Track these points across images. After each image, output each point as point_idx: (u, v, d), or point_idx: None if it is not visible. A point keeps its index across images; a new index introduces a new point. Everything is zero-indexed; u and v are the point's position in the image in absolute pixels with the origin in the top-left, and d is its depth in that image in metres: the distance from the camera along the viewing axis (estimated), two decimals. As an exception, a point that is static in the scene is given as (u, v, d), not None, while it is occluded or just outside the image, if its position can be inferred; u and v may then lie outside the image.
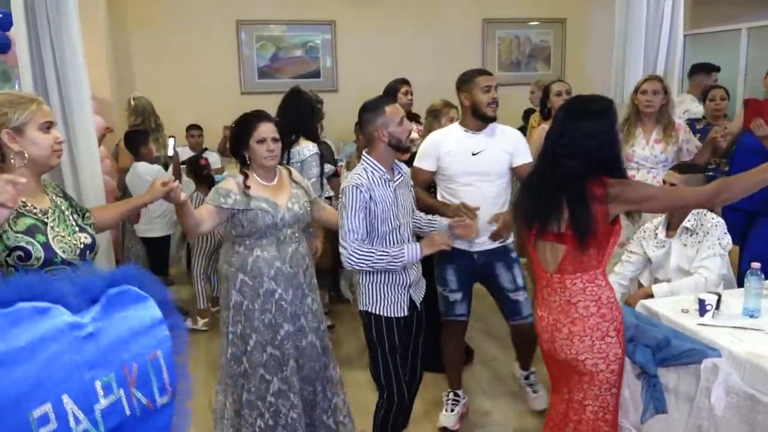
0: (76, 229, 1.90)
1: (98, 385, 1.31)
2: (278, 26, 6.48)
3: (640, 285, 2.84)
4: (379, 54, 6.54)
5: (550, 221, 1.96)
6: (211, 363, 3.80)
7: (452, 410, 3.12)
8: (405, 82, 4.92)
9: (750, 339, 2.01)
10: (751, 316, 2.21)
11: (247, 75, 6.43)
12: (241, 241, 2.54)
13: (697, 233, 2.66)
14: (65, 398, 1.25)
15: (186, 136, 5.57)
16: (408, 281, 2.48)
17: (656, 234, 2.79)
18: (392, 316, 2.47)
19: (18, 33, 3.69)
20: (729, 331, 2.06)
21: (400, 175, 2.51)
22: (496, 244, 2.91)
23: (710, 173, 4.17)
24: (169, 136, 4.76)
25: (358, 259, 2.34)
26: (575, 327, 1.98)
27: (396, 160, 2.51)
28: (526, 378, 3.26)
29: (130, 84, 6.00)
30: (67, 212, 1.92)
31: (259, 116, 2.57)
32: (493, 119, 2.88)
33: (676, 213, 2.71)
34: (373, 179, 2.39)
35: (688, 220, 2.68)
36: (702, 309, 2.24)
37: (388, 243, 2.43)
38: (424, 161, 2.97)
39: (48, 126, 1.87)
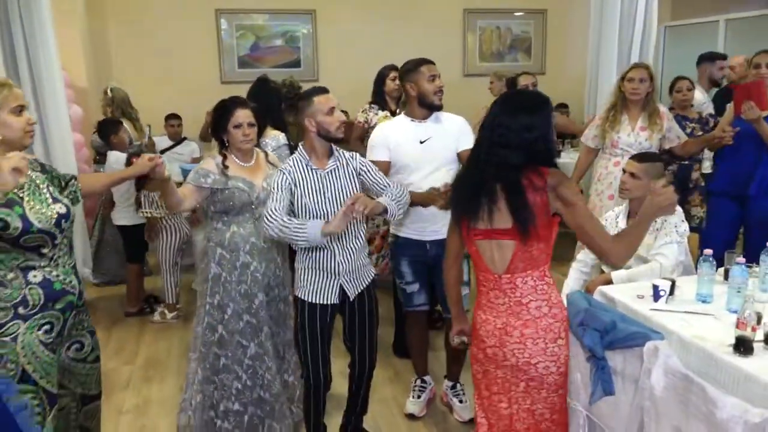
0: (50, 201, 2.02)
1: None
2: (259, 15, 6.48)
3: (602, 272, 2.89)
4: (360, 43, 6.55)
5: (482, 212, 1.94)
6: (183, 352, 3.85)
7: (418, 397, 3.17)
8: (394, 68, 4.92)
9: (700, 323, 2.05)
10: (704, 302, 2.26)
11: (227, 64, 6.43)
12: (219, 218, 2.75)
13: (655, 221, 2.71)
14: None
15: (165, 125, 5.57)
16: (336, 270, 2.52)
17: (617, 223, 2.84)
18: (316, 302, 2.54)
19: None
20: (680, 316, 2.11)
21: (333, 163, 2.53)
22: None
23: (672, 166, 4.25)
24: (146, 125, 4.78)
25: (274, 225, 2.39)
26: (527, 329, 1.97)
27: (337, 149, 2.56)
28: (453, 388, 3.20)
29: (107, 74, 5.99)
30: (42, 186, 2.04)
31: (235, 102, 2.75)
32: (439, 108, 2.89)
33: (636, 202, 2.76)
34: (298, 167, 2.49)
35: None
36: (656, 295, 2.29)
37: None
38: (376, 152, 2.93)
39: (20, 109, 1.96)
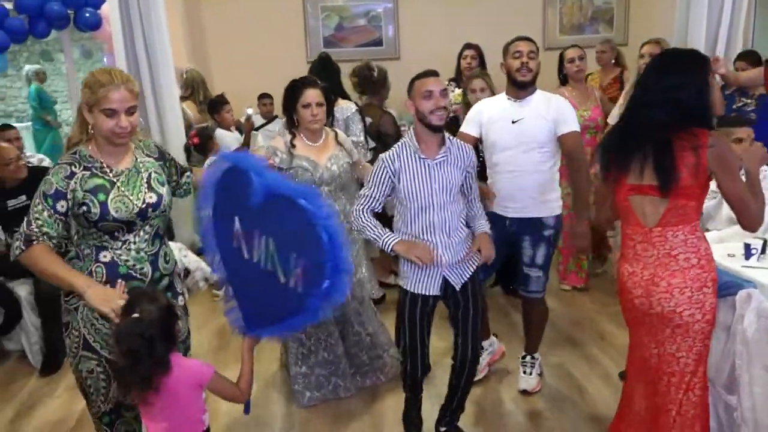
0: (145, 189, 2.08)
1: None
2: (342, -3, 6.70)
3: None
4: (440, 21, 6.65)
5: (633, 168, 2.02)
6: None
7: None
8: (469, 46, 5.02)
9: (792, 279, 2.13)
10: (797, 260, 2.33)
11: (313, 45, 6.68)
12: None
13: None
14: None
15: (258, 104, 5.89)
16: (438, 261, 2.47)
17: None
18: (417, 292, 2.53)
19: (111, 9, 4.06)
20: (772, 272, 2.19)
21: (444, 155, 2.45)
22: (530, 214, 2.90)
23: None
24: (248, 107, 5.14)
25: (358, 224, 2.49)
26: (675, 279, 2.01)
27: (450, 139, 2.50)
28: (523, 358, 3.24)
29: (204, 57, 6.38)
30: (144, 173, 2.11)
31: (305, 82, 2.81)
32: (523, 84, 2.83)
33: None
34: (403, 154, 2.45)
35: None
36: (747, 253, 2.38)
37: (416, 224, 2.47)
38: (467, 126, 3.00)
39: (110, 113, 1.98)
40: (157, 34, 4.17)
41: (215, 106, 4.91)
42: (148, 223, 2.10)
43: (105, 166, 2.06)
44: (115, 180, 2.05)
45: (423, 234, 2.48)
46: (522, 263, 3.00)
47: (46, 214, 1.96)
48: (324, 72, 3.96)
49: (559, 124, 2.84)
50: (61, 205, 1.98)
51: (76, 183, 2.00)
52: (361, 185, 2.79)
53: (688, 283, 2.00)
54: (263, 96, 5.90)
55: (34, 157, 4.92)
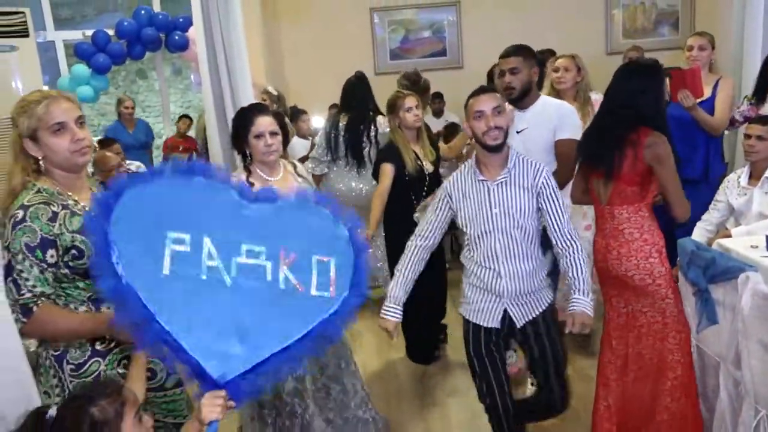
0: None
1: (244, 247, 1.55)
2: (408, 10, 7.06)
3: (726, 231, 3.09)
4: (503, 30, 6.86)
5: (598, 159, 2.42)
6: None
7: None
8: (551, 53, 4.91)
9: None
10: (818, 251, 2.45)
11: (380, 57, 7.08)
12: None
13: (776, 181, 2.89)
14: (206, 239, 1.52)
15: (328, 115, 6.34)
16: (498, 290, 2.29)
17: (739, 182, 3.03)
18: (477, 322, 2.37)
19: (197, 32, 4.58)
20: (790, 262, 2.34)
21: (505, 175, 2.28)
22: None
23: None
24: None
25: (403, 255, 2.43)
26: (623, 249, 2.40)
27: (520, 158, 2.32)
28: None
29: (280, 71, 6.89)
30: None
31: (254, 109, 2.48)
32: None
33: (759, 163, 2.95)
34: (462, 177, 2.36)
35: (768, 171, 2.91)
36: (768, 244, 2.52)
37: (478, 250, 2.32)
38: None
39: (58, 128, 1.70)
40: (237, 53, 4.62)
41: (293, 115, 5.39)
42: None
43: (77, 201, 1.77)
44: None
45: (486, 261, 2.30)
46: None
47: (36, 270, 1.65)
48: (362, 88, 4.19)
49: (558, 129, 2.85)
50: (51, 255, 1.67)
51: (61, 225, 1.69)
52: None
53: (633, 253, 2.38)
54: (333, 106, 6.33)
55: (133, 164, 5.54)
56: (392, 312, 2.36)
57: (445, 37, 7.12)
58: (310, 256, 1.60)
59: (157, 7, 6.07)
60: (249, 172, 2.46)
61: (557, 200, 2.30)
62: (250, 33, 5.86)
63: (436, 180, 3.49)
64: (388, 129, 3.70)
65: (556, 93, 3.55)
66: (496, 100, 2.29)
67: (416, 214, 3.21)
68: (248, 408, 2.59)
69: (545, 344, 2.35)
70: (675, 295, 2.41)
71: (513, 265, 2.28)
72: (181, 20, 5.65)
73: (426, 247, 2.42)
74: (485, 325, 2.35)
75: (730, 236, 2.84)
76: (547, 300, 2.38)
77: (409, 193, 3.36)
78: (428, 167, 3.47)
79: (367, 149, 4.12)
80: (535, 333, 2.34)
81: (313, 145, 4.97)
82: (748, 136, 3.02)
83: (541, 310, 2.35)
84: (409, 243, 2.42)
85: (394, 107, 3.48)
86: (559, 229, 2.29)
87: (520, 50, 2.86)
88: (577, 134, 2.76)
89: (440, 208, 2.38)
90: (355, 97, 4.22)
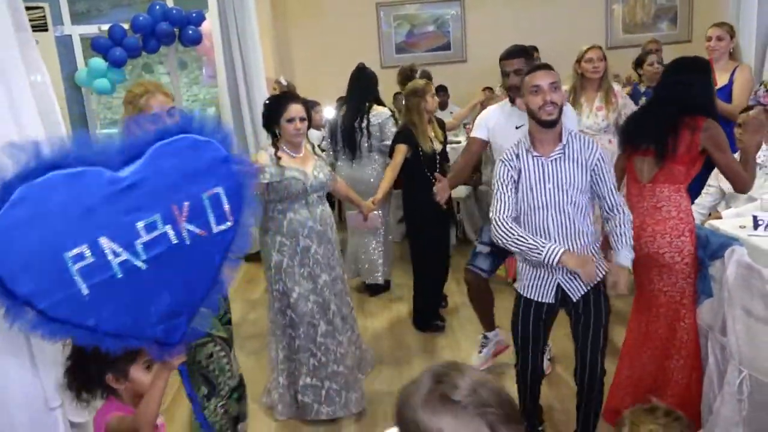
0: None
1: (140, 225, 1.50)
2: (413, 5, 7.24)
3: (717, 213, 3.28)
4: (505, 25, 7.05)
5: (648, 139, 2.54)
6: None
7: (479, 351, 3.42)
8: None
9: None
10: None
11: (386, 51, 7.27)
12: (274, 207, 2.89)
13: (765, 166, 3.07)
14: (102, 240, 1.46)
15: (336, 106, 6.52)
16: (555, 267, 2.28)
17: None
18: (531, 298, 2.40)
19: (213, 26, 4.77)
20: (774, 239, 2.53)
21: (560, 151, 2.30)
22: None
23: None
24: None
25: (500, 234, 2.30)
26: (658, 227, 2.52)
27: (573, 134, 2.34)
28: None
29: (289, 65, 7.07)
30: None
31: (289, 98, 2.91)
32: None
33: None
34: (519, 152, 2.35)
35: (759, 156, 3.09)
36: (755, 224, 2.70)
37: (530, 225, 2.33)
38: (476, 131, 3.11)
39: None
40: (251, 46, 4.83)
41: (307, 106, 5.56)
42: None
43: None
44: None
45: (538, 237, 2.30)
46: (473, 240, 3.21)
47: None
48: (360, 81, 4.43)
49: None
50: None
51: None
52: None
53: (668, 230, 2.50)
54: (340, 99, 6.52)
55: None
56: (553, 247, 2.23)
57: (449, 32, 7.30)
58: (200, 196, 1.58)
59: (170, 2, 6.24)
60: (277, 148, 2.87)
61: (610, 175, 2.37)
62: (261, 28, 6.06)
63: (444, 157, 4.01)
64: (386, 117, 4.10)
65: (581, 84, 3.76)
66: (553, 76, 2.30)
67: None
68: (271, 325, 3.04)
69: (591, 317, 2.38)
70: (693, 278, 2.53)
71: (566, 241, 2.30)
72: (194, 15, 5.83)
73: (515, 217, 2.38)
74: (539, 300, 2.39)
75: (720, 218, 3.03)
76: (601, 272, 2.36)
77: (424, 169, 3.80)
78: (437, 146, 3.91)
79: (358, 139, 4.36)
80: (586, 305, 2.38)
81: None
82: (738, 125, 3.20)
83: (595, 282, 2.36)
84: (496, 221, 2.33)
85: (421, 92, 3.83)
86: (611, 200, 2.35)
87: (522, 52, 3.00)
88: (575, 126, 2.90)
89: (508, 182, 2.34)
90: (354, 89, 4.48)
